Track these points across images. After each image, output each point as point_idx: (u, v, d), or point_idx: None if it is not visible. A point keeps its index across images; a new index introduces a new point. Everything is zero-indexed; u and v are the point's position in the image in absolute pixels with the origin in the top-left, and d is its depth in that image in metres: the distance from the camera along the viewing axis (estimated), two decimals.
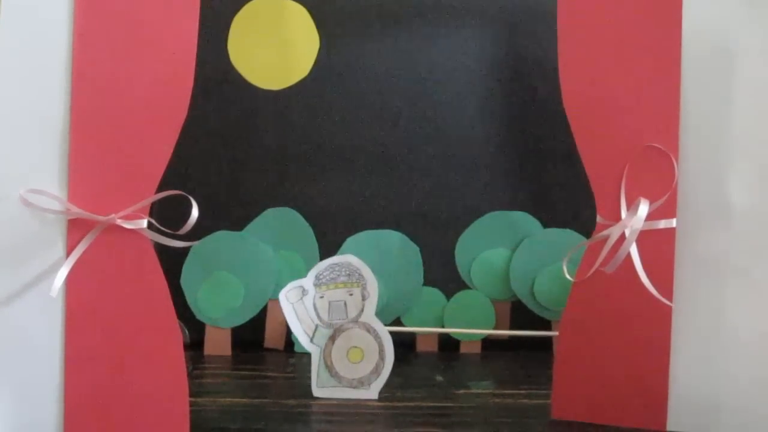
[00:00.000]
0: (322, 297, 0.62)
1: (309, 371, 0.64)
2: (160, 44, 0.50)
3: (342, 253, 0.76)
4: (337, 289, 0.62)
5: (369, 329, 0.62)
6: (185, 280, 0.74)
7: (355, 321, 0.62)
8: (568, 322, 0.56)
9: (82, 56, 0.49)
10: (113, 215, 0.50)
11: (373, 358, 0.62)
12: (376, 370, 0.62)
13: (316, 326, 0.62)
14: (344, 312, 0.62)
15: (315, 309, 0.62)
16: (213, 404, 0.59)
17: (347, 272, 0.62)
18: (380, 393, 0.62)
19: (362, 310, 0.62)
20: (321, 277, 0.62)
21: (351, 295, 0.62)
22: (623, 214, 0.54)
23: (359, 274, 0.62)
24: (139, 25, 0.50)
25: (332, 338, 0.62)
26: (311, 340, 0.62)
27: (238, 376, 0.67)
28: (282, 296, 0.62)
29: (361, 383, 0.62)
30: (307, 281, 0.62)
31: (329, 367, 0.62)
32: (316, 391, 0.62)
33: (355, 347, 0.62)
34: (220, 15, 0.75)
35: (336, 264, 0.62)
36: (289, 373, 0.69)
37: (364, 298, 0.62)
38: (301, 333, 0.62)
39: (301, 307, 0.62)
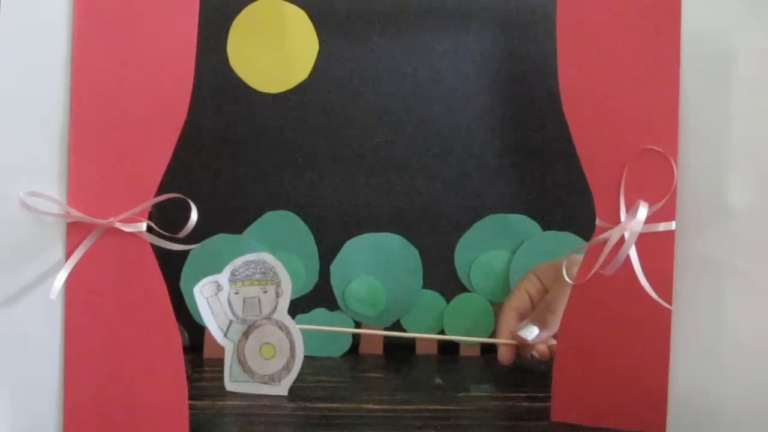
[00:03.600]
0: (236, 293, 0.63)
1: (308, 375, 0.64)
2: (159, 47, 0.50)
3: (342, 256, 0.76)
4: (252, 285, 0.62)
5: (281, 326, 0.63)
6: (185, 284, 0.74)
7: (269, 318, 0.62)
8: (567, 324, 0.56)
9: (82, 59, 0.50)
10: (112, 218, 0.50)
11: (284, 354, 0.62)
12: (287, 367, 0.62)
13: (230, 321, 0.63)
14: (258, 308, 0.63)
15: (230, 304, 0.63)
16: (212, 407, 0.59)
17: (262, 270, 0.62)
18: (381, 396, 0.62)
19: (276, 308, 0.63)
20: (236, 273, 0.63)
21: (265, 292, 0.62)
22: (622, 216, 0.54)
23: (274, 272, 0.62)
24: (138, 28, 0.50)
25: (246, 334, 0.63)
26: (225, 335, 0.63)
27: None
28: (197, 291, 0.62)
29: (272, 379, 0.62)
30: (223, 277, 0.63)
31: (242, 363, 0.63)
32: (229, 386, 0.63)
33: (268, 343, 0.63)
34: (220, 18, 0.75)
35: (251, 261, 0.63)
36: None
37: (278, 296, 0.62)
38: (215, 328, 0.63)
39: (215, 302, 0.62)
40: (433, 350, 0.78)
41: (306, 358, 0.72)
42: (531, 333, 0.65)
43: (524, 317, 0.68)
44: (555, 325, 0.65)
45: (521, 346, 0.66)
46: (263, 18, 0.75)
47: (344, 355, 0.76)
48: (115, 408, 0.51)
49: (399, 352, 0.77)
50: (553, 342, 0.65)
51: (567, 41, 0.55)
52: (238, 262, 0.63)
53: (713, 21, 0.53)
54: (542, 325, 0.65)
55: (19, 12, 0.49)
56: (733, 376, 0.53)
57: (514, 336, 0.66)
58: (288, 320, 0.63)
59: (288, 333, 0.63)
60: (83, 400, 0.50)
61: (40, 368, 0.50)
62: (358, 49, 0.76)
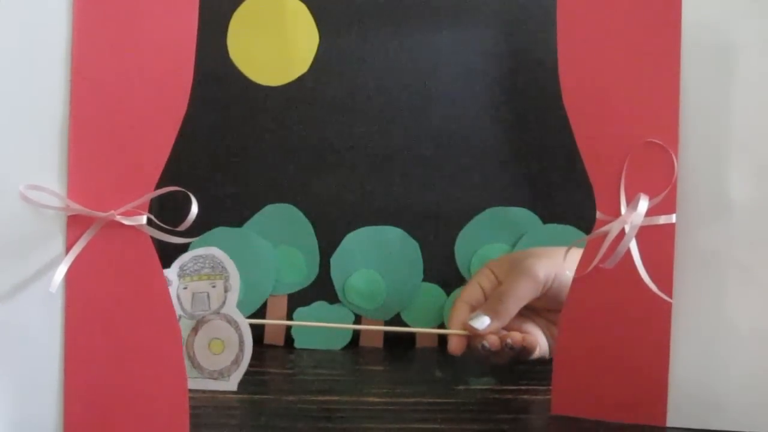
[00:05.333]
0: (185, 288, 0.62)
1: (308, 368, 0.64)
2: (159, 40, 0.50)
3: (342, 249, 0.76)
4: (201, 280, 0.62)
5: (230, 321, 0.62)
6: None
7: (217, 313, 0.62)
8: (568, 317, 0.56)
9: (82, 52, 0.49)
10: (113, 211, 0.50)
11: (233, 349, 0.62)
12: (236, 362, 0.62)
13: (179, 317, 0.62)
14: (207, 303, 0.62)
15: (178, 300, 0.62)
16: (213, 400, 0.59)
17: (211, 264, 0.62)
18: (381, 389, 0.62)
19: (224, 302, 0.62)
20: (185, 268, 0.62)
21: (214, 287, 0.62)
22: (623, 209, 0.54)
23: (222, 267, 0.62)
24: (138, 21, 0.50)
25: (195, 329, 0.62)
26: None
27: None
28: None
29: (221, 374, 0.62)
30: (171, 272, 0.62)
31: (191, 358, 0.62)
32: None
33: (217, 339, 0.62)
34: (220, 11, 0.75)
35: (200, 256, 0.62)
36: (289, 369, 0.69)
37: (226, 291, 0.62)
38: None
39: None
40: (433, 343, 0.78)
41: (306, 350, 0.72)
42: (482, 323, 0.64)
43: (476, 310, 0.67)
44: (506, 315, 0.65)
45: (473, 337, 0.66)
46: (263, 11, 0.75)
47: (344, 347, 0.76)
48: (115, 400, 0.51)
49: (399, 344, 0.77)
50: (504, 333, 0.65)
51: (567, 34, 0.55)
52: (186, 256, 0.62)
53: (714, 12, 0.52)
54: (493, 315, 0.65)
55: (19, 4, 0.49)
56: (733, 367, 0.53)
57: (465, 326, 0.66)
58: (237, 314, 0.62)
59: (237, 327, 0.62)
60: (83, 393, 0.50)
61: (41, 361, 0.50)
62: (358, 41, 0.76)
